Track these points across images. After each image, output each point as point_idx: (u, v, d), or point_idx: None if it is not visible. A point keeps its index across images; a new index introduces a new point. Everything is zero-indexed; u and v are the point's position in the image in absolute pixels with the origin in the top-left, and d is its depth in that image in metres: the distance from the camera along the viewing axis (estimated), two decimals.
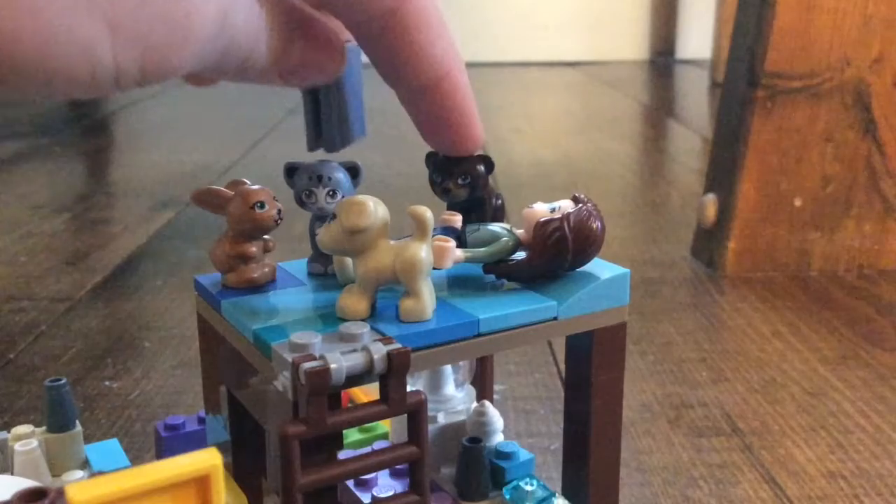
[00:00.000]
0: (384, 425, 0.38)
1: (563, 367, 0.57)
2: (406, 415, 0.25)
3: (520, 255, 0.29)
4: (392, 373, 0.24)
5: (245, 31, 0.23)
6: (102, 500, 0.17)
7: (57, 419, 0.34)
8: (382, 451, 0.25)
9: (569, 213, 0.28)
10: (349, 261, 0.29)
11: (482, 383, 0.38)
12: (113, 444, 0.36)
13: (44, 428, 0.34)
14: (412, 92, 0.28)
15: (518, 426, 0.52)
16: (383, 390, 0.24)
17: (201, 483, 0.18)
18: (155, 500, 0.17)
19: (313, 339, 0.24)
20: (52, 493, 0.17)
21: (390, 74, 0.27)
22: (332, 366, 0.23)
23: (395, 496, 0.26)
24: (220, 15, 0.21)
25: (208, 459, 0.18)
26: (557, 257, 0.28)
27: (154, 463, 0.17)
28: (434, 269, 0.27)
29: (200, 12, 0.21)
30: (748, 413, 0.54)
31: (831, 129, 0.77)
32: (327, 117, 0.29)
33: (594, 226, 0.28)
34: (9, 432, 0.33)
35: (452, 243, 0.28)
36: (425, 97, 0.28)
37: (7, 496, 0.17)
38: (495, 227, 0.30)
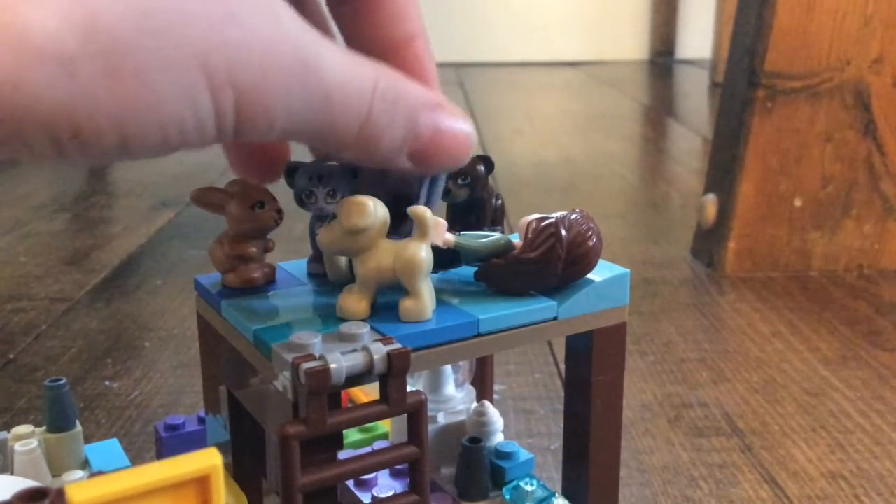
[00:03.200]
0: (384, 425, 0.38)
1: (563, 367, 0.57)
2: (406, 415, 0.25)
3: None
4: (392, 373, 0.24)
5: (338, 81, 0.22)
6: (102, 500, 0.17)
7: (57, 419, 0.34)
8: (382, 451, 0.25)
9: (564, 215, 0.28)
10: (342, 260, 0.29)
11: (482, 383, 0.38)
12: (113, 444, 0.36)
13: (44, 428, 0.34)
14: (385, 50, 0.27)
15: (518, 426, 0.52)
16: (383, 390, 0.24)
17: (201, 483, 0.18)
18: (155, 500, 0.17)
19: (313, 339, 0.24)
20: (52, 493, 0.17)
21: (366, 32, 0.27)
22: (332, 366, 0.23)
23: (395, 496, 0.26)
24: (296, 50, 0.21)
25: (208, 459, 0.18)
26: (550, 253, 0.28)
27: (154, 463, 0.17)
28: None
29: (278, 46, 0.21)
30: (748, 413, 0.54)
31: (831, 129, 0.77)
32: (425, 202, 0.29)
33: (590, 226, 0.29)
34: (9, 432, 0.33)
35: (444, 222, 0.28)
36: (397, 55, 0.27)
37: (7, 496, 0.17)
38: (490, 233, 0.30)
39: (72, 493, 0.16)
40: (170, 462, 0.17)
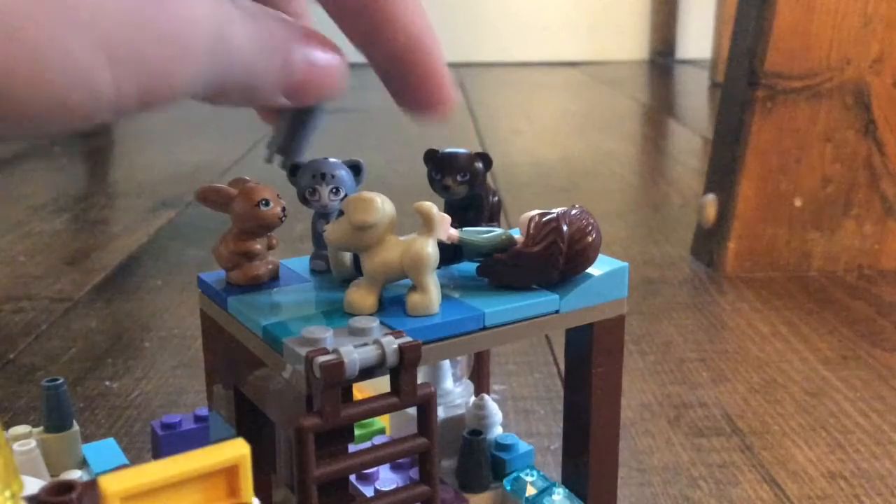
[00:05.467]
0: (380, 421, 0.38)
1: (562, 366, 0.57)
2: (406, 409, 0.25)
3: None
4: (404, 366, 0.24)
5: (243, 49, 0.22)
6: (136, 490, 0.17)
7: (54, 419, 0.34)
8: (393, 442, 0.26)
9: (564, 211, 0.29)
10: (346, 256, 0.30)
11: (479, 379, 0.38)
12: (110, 444, 0.36)
13: (41, 428, 0.34)
14: (389, 55, 0.27)
15: (518, 426, 0.52)
16: (394, 383, 0.25)
17: (230, 473, 0.18)
18: (185, 489, 0.17)
19: (325, 334, 0.25)
20: (79, 486, 0.17)
21: (368, 39, 0.26)
22: (346, 359, 0.23)
23: (405, 487, 0.26)
24: (216, 29, 0.21)
25: (237, 450, 0.18)
26: (552, 248, 0.28)
27: (185, 454, 0.18)
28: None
29: (195, 29, 0.21)
30: (748, 413, 0.54)
31: (831, 129, 0.77)
32: (302, 134, 0.29)
33: (590, 221, 0.29)
34: (7, 432, 0.33)
35: (448, 217, 0.28)
36: (403, 58, 0.27)
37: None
38: (491, 228, 0.30)
39: (105, 484, 0.16)
40: (199, 453, 0.18)
